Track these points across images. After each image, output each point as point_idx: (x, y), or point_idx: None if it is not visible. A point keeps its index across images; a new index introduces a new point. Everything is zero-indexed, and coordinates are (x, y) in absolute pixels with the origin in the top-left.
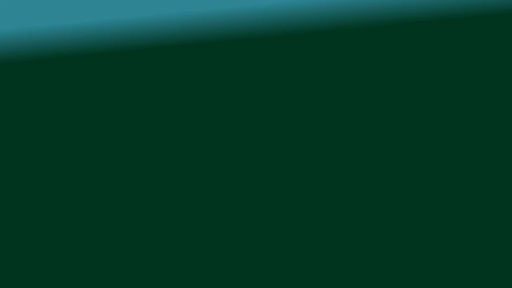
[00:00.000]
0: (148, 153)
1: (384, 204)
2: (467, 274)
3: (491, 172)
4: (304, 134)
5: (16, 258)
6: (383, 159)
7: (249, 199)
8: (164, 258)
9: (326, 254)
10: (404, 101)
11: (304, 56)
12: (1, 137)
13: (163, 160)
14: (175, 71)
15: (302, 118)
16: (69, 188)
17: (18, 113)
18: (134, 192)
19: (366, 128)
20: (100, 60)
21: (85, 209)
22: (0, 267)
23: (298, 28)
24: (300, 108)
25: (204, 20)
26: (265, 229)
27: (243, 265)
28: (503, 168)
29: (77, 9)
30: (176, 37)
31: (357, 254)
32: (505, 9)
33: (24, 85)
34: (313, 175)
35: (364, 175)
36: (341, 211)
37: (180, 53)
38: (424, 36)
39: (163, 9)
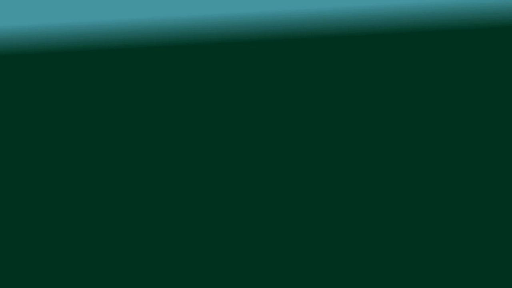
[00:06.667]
0: (147, 153)
1: (380, 207)
2: (467, 274)
3: (483, 175)
4: (305, 136)
5: (16, 258)
6: (382, 162)
7: (248, 200)
8: (164, 257)
9: (326, 254)
10: (403, 105)
11: (304, 60)
12: None
13: (162, 159)
14: (175, 72)
15: (302, 121)
16: (66, 186)
17: (15, 112)
18: (133, 191)
19: (367, 131)
20: (100, 60)
21: (84, 208)
22: (0, 267)
23: (297, 32)
24: (300, 111)
25: (204, 22)
26: (265, 229)
27: (243, 265)
28: (496, 172)
29: (78, 8)
30: (175, 38)
31: (357, 254)
32: (503, 21)
33: (24, 83)
34: (312, 176)
35: (361, 177)
36: (338, 212)
37: (180, 54)
38: (423, 44)
39: (164, 10)
